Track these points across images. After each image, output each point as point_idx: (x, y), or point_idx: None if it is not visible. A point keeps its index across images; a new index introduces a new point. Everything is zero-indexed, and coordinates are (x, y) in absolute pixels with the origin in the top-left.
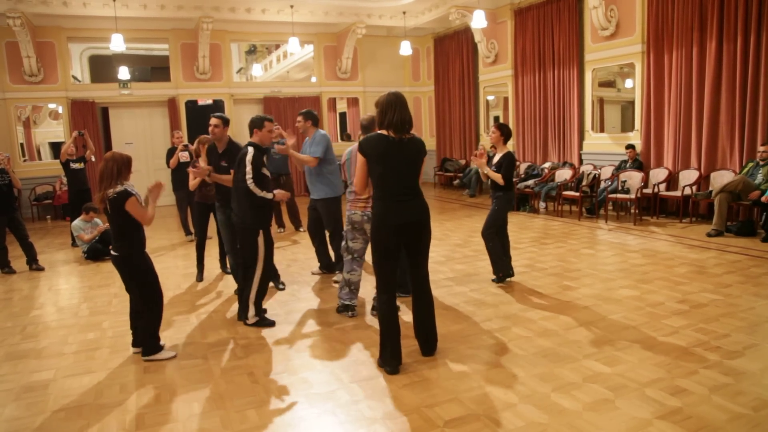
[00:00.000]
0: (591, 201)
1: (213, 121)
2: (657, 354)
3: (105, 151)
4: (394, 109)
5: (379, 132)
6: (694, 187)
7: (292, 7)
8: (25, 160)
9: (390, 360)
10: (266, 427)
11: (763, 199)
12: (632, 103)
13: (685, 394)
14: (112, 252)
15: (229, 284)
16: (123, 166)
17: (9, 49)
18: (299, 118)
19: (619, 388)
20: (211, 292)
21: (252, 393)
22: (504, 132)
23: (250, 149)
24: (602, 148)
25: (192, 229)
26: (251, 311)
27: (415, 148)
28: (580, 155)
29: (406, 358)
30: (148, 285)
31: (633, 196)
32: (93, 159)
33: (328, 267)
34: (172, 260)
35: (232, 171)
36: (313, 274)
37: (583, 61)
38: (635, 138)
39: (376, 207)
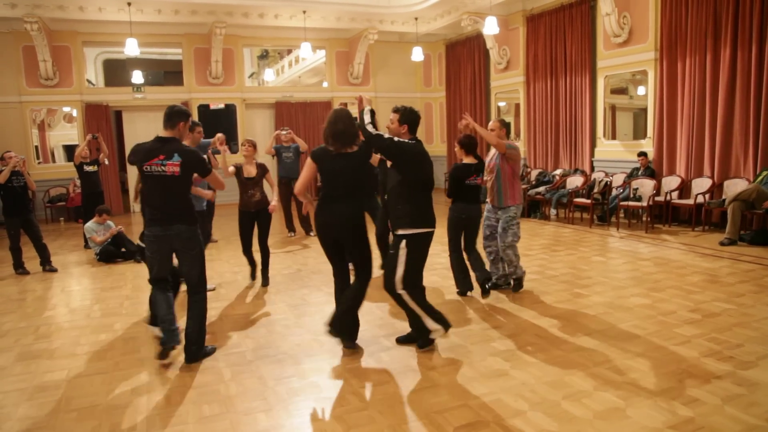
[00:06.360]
0: (602, 208)
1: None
2: (669, 363)
3: (118, 155)
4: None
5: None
6: (707, 196)
7: (304, 12)
8: (39, 163)
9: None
10: (275, 430)
11: None
12: (645, 110)
13: (697, 404)
14: None
15: (238, 288)
16: None
17: (26, 53)
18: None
19: (630, 396)
20: (220, 295)
21: (261, 396)
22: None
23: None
24: (614, 155)
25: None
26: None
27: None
28: (591, 162)
29: (416, 365)
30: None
31: (645, 203)
32: (106, 162)
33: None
34: None
35: None
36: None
37: (595, 68)
38: (647, 145)
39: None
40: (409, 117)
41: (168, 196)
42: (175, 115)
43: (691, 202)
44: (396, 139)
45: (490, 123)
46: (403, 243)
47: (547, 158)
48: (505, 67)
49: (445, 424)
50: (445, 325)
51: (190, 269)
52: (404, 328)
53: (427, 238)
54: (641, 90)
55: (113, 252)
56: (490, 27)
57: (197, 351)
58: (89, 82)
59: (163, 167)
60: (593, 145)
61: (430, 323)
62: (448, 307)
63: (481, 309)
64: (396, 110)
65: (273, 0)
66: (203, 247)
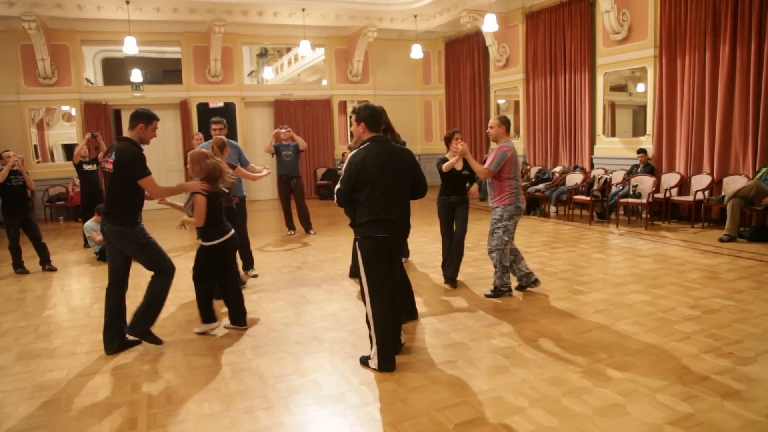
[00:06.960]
0: (602, 205)
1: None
2: (668, 359)
3: None
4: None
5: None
6: (706, 192)
7: (303, 10)
8: (38, 162)
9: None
10: (276, 428)
11: None
12: (644, 107)
13: (697, 400)
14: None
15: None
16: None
17: (24, 52)
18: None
19: (630, 393)
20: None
21: (262, 394)
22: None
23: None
24: (613, 152)
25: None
26: None
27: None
28: (591, 159)
29: (416, 362)
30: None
31: (644, 200)
32: None
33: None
34: (183, 262)
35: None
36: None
37: (594, 65)
38: (647, 142)
39: None
40: (363, 113)
41: (108, 192)
42: (135, 117)
43: (690, 198)
44: (344, 167)
45: (490, 121)
46: (357, 245)
47: (547, 155)
48: (505, 64)
49: (445, 421)
50: (386, 366)
51: (137, 260)
52: (404, 326)
53: (379, 243)
54: (641, 87)
55: None
56: (490, 24)
57: (134, 326)
58: (88, 80)
59: (106, 164)
60: (593, 142)
61: (373, 352)
62: (448, 305)
63: (481, 306)
64: (353, 111)
65: None
66: (144, 241)
